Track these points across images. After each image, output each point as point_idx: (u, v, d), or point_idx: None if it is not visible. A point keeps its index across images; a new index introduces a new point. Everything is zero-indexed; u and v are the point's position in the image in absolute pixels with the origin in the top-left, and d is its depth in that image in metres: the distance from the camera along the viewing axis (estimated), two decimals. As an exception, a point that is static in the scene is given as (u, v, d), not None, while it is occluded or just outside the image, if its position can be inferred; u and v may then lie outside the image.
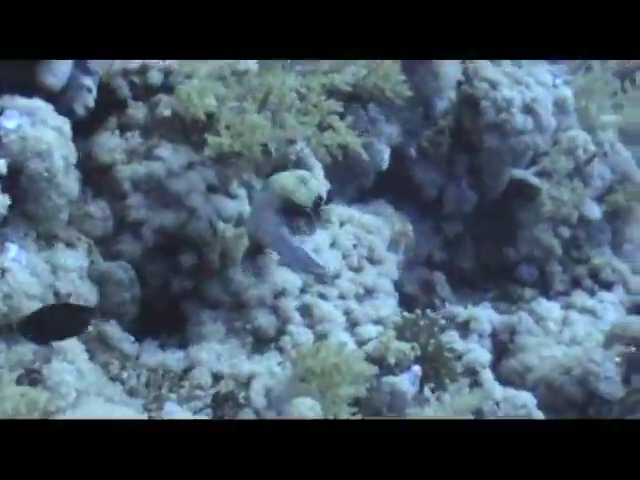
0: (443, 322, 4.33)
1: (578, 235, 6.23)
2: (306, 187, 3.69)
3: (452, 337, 4.61)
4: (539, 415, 4.46)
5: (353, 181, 5.32)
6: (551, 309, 5.70)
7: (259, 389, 3.48)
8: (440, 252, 6.09)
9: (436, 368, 4.05)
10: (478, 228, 6.21)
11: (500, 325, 5.39)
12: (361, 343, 4.03)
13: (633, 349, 4.82)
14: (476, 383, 4.56)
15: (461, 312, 5.36)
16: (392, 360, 3.84)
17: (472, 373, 4.58)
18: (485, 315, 5.40)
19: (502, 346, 5.33)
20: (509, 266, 6.21)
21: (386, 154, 5.31)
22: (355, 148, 4.12)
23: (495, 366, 5.03)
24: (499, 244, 6.20)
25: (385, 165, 5.34)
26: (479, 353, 4.68)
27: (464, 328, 5.23)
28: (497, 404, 4.43)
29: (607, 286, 6.23)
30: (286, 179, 3.72)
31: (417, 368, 3.92)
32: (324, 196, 3.84)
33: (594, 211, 6.17)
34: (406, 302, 5.51)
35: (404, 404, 3.87)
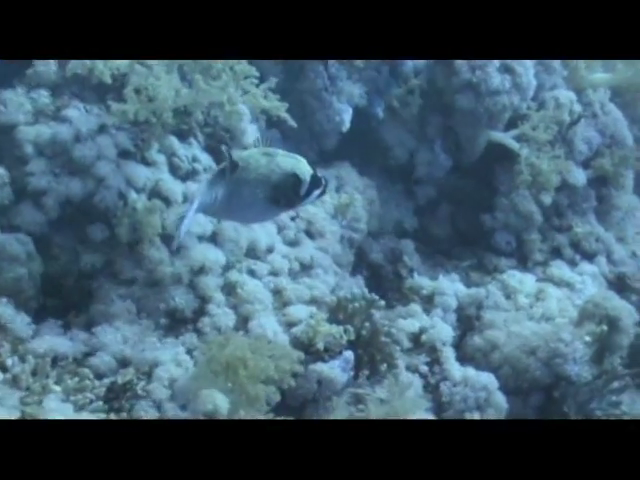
0: (382, 303, 4.02)
1: (560, 202, 5.86)
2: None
3: (400, 316, 4.43)
4: (500, 398, 4.28)
5: (312, 143, 5.07)
6: (524, 281, 5.32)
7: (162, 379, 3.20)
8: (411, 219, 5.78)
9: (371, 354, 3.78)
10: (453, 194, 5.91)
11: (467, 299, 5.05)
12: (289, 325, 3.76)
13: (605, 328, 4.56)
14: (436, 361, 4.39)
15: (426, 284, 5.07)
16: (321, 345, 3.57)
17: (433, 351, 4.40)
18: (452, 288, 5.06)
19: (468, 322, 5.01)
20: (486, 234, 5.86)
21: (347, 114, 5.04)
22: (278, 113, 3.73)
23: (459, 343, 4.77)
24: (475, 211, 5.85)
25: (346, 126, 5.09)
26: (441, 329, 4.53)
27: (428, 302, 4.95)
28: (455, 385, 4.26)
29: (589, 257, 5.91)
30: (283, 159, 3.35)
31: (349, 354, 3.66)
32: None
33: (578, 177, 5.80)
34: (371, 272, 5.30)
35: (333, 393, 3.61)
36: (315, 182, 3.34)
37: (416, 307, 4.71)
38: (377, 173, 5.52)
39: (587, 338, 4.50)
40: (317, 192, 3.37)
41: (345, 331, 3.61)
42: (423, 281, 5.11)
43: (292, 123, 3.75)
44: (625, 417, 4.65)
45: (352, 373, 3.70)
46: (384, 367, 3.81)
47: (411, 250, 5.54)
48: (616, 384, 4.61)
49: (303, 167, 3.37)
